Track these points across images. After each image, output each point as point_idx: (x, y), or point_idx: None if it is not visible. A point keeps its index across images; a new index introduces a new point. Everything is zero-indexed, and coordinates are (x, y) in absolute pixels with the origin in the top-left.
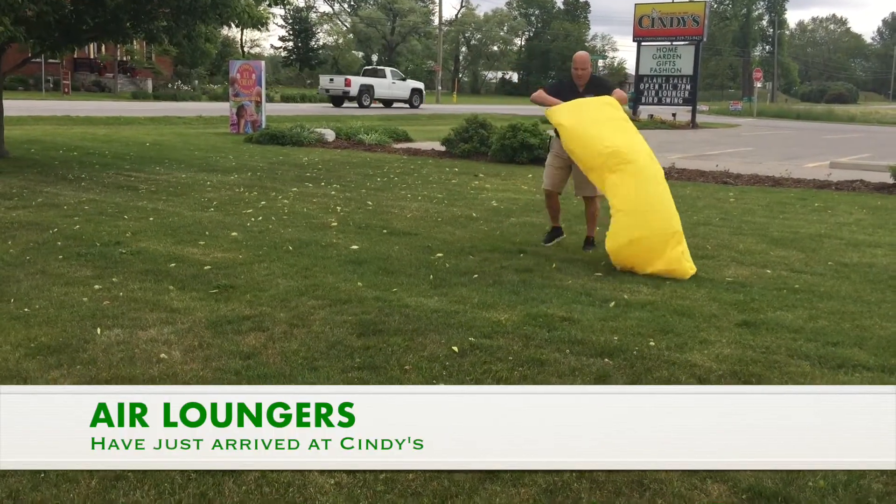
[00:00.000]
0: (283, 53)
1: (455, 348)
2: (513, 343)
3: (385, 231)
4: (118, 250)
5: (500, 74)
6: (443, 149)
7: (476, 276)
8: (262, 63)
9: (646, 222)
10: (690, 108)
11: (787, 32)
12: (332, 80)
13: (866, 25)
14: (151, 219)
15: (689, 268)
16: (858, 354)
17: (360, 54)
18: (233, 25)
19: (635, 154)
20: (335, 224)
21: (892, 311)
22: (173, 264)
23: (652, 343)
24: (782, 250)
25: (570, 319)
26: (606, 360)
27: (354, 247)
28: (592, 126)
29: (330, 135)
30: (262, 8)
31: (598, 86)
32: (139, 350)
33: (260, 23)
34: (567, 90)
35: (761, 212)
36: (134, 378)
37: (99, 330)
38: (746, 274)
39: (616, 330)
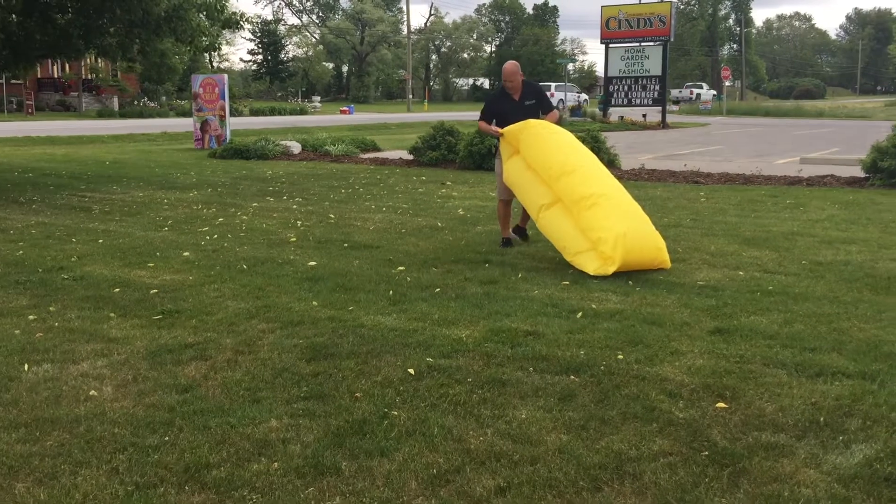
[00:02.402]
0: (253, 67)
1: (411, 370)
2: (473, 362)
3: (346, 245)
4: (60, 276)
5: (471, 81)
6: (411, 157)
7: (438, 289)
8: (225, 77)
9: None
10: (660, 108)
11: (754, 31)
12: None
13: (831, 21)
14: (101, 241)
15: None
16: (837, 360)
17: (331, 65)
18: (185, 45)
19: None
20: (294, 239)
21: (870, 312)
22: (117, 289)
23: (620, 356)
24: (755, 250)
25: (535, 333)
26: (572, 377)
27: (312, 263)
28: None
29: (296, 147)
30: (214, 34)
31: (534, 92)
32: (67, 387)
33: (213, 48)
34: (503, 101)
35: (733, 211)
36: (57, 420)
37: (26, 366)
38: (718, 277)
39: (583, 343)
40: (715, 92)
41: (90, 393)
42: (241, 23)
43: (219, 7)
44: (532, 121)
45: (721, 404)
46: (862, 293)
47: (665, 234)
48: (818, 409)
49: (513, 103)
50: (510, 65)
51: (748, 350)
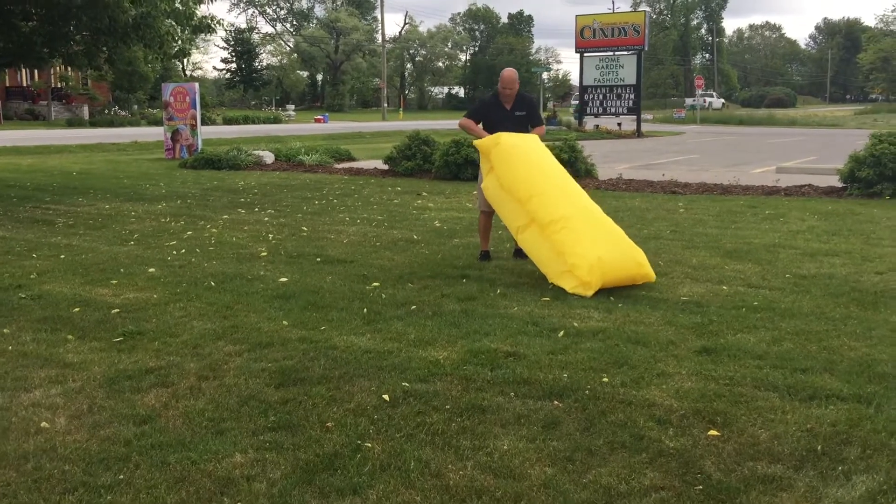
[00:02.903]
0: (227, 75)
1: (386, 397)
2: (451, 387)
3: (318, 259)
4: (17, 295)
5: (446, 90)
6: (385, 167)
7: (414, 307)
8: (196, 85)
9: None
10: (635, 117)
11: (726, 40)
12: None
13: (800, 31)
14: (63, 256)
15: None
16: (830, 382)
17: (305, 74)
18: (154, 52)
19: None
20: (264, 254)
21: (859, 329)
22: (77, 309)
23: (605, 379)
24: (737, 263)
25: (516, 354)
26: (555, 402)
27: (283, 279)
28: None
29: (269, 157)
30: (184, 40)
31: (527, 105)
32: (18, 418)
33: (182, 54)
34: (494, 108)
35: (712, 222)
36: (3, 456)
37: None
38: (702, 292)
39: (566, 365)
40: (724, 100)
41: (41, 425)
42: (214, 26)
43: (188, 13)
44: (503, 136)
45: (713, 432)
46: (849, 309)
47: (645, 246)
48: (814, 437)
49: (503, 112)
50: (510, 72)
51: (737, 371)
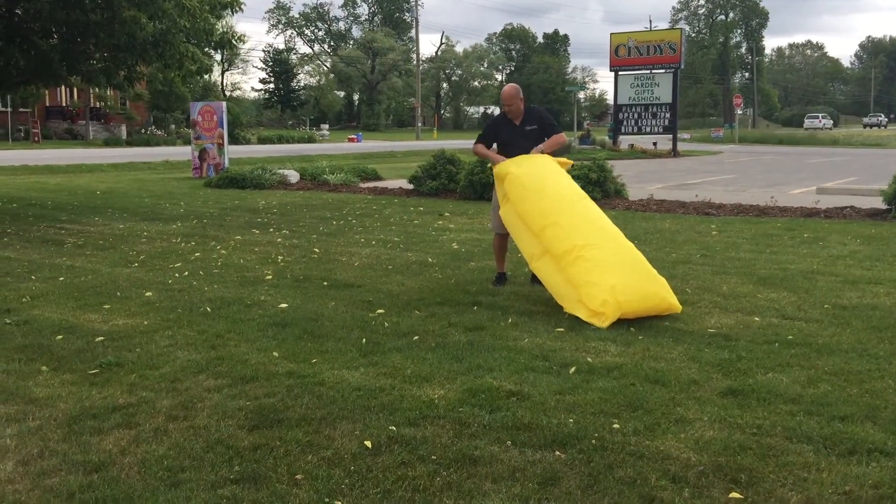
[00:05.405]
0: (265, 95)
1: (368, 443)
2: (443, 432)
3: (325, 284)
4: (3, 320)
5: (482, 109)
6: (411, 187)
7: (416, 337)
8: (224, 104)
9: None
10: (671, 136)
11: (766, 59)
12: None
13: (843, 50)
14: (62, 278)
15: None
16: (873, 433)
17: (342, 94)
18: (173, 71)
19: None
20: (270, 277)
21: None
22: (60, 336)
23: (616, 425)
24: (771, 291)
25: (519, 394)
26: (557, 452)
27: (283, 305)
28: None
29: (294, 176)
30: (202, 59)
31: (536, 117)
32: None
33: (202, 73)
34: (503, 126)
35: (746, 246)
36: None
37: None
38: (731, 323)
39: (573, 407)
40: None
41: None
42: (235, 42)
43: (206, 28)
44: (514, 164)
45: (735, 494)
46: (895, 345)
47: (673, 271)
48: (854, 502)
49: (513, 128)
50: (510, 88)
51: (767, 418)
